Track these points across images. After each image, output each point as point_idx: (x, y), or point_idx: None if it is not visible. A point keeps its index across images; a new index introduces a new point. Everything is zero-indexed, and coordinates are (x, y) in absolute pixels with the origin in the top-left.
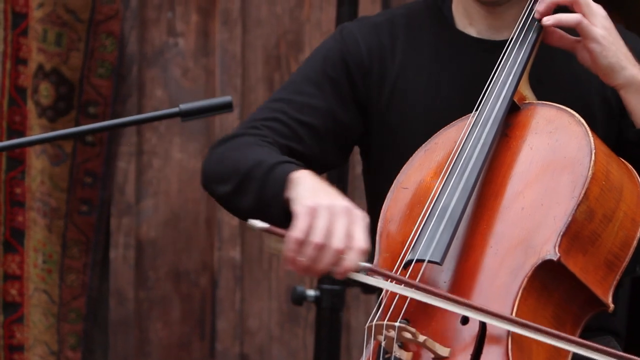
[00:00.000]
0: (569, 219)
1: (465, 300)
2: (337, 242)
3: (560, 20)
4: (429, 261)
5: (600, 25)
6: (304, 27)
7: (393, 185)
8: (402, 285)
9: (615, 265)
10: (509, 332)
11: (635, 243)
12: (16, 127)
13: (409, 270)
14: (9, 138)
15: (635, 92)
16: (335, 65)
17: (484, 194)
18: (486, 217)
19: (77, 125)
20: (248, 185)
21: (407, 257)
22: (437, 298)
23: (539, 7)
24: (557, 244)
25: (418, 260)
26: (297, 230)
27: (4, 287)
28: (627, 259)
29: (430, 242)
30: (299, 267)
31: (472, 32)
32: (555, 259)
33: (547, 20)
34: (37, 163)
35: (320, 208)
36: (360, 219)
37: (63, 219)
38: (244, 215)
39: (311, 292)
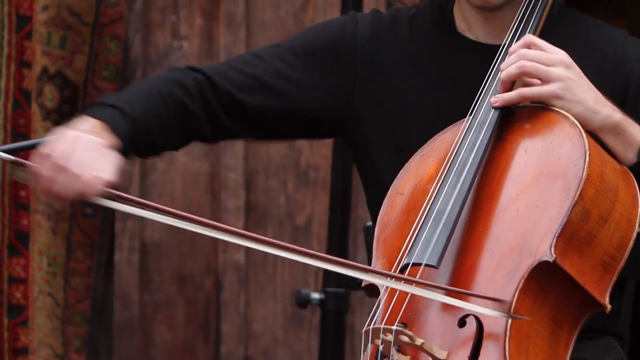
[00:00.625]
0: (564, 220)
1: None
2: (76, 165)
3: (506, 100)
4: (426, 265)
5: (560, 77)
6: None
7: (389, 191)
8: (178, 220)
9: (611, 266)
10: (506, 333)
11: (631, 244)
12: (21, 130)
13: (406, 275)
14: (14, 141)
15: (610, 134)
16: (325, 46)
17: (480, 197)
18: (482, 220)
19: None
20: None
21: (404, 261)
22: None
23: (494, 102)
24: (553, 245)
25: (414, 264)
26: (43, 147)
27: (9, 290)
28: (624, 260)
29: (427, 246)
30: (43, 187)
31: (470, 35)
32: (551, 260)
33: (494, 102)
34: None
35: (68, 135)
36: (108, 154)
37: (67, 222)
38: None
39: (315, 295)
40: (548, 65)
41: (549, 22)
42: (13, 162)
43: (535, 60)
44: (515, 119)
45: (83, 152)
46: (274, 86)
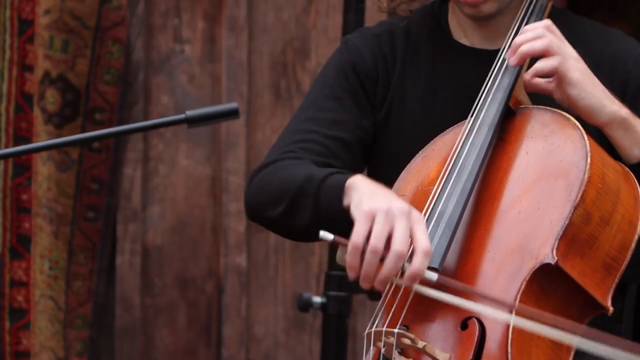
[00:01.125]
0: (566, 223)
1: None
2: (398, 245)
3: (538, 71)
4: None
5: (574, 69)
6: (310, 33)
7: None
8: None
9: (613, 268)
10: (508, 336)
11: (633, 245)
12: (22, 133)
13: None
14: (16, 144)
15: (619, 128)
16: (349, 77)
17: (481, 199)
18: (483, 222)
19: (83, 131)
20: (302, 202)
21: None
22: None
23: (511, 59)
24: (555, 248)
25: None
26: (355, 235)
27: (11, 293)
28: (626, 262)
29: None
30: (364, 275)
31: (466, 42)
32: (553, 262)
33: (527, 74)
34: (43, 169)
35: (378, 211)
36: (420, 220)
37: (69, 226)
38: (301, 235)
39: (317, 299)
40: (558, 54)
41: None
42: (337, 243)
43: (556, 43)
44: (517, 120)
45: (399, 227)
46: (339, 136)
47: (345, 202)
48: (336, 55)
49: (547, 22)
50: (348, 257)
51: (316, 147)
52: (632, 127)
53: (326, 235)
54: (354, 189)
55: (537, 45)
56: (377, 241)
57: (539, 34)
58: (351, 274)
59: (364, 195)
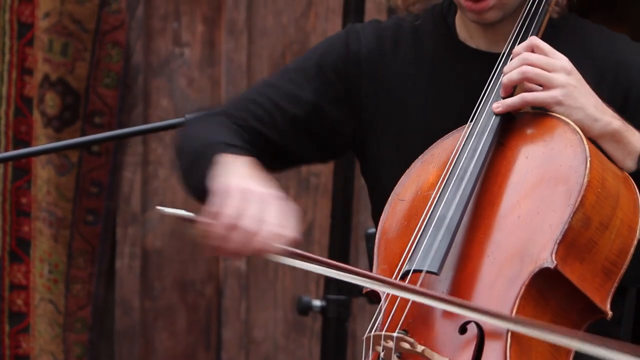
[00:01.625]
0: (565, 227)
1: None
2: (248, 222)
3: (508, 106)
4: (427, 271)
5: (561, 84)
6: (309, 37)
7: (390, 197)
8: (322, 267)
9: (612, 273)
10: (507, 340)
11: (632, 250)
12: (22, 137)
13: (407, 281)
14: (15, 148)
15: (610, 141)
16: (332, 63)
17: (481, 204)
18: (483, 227)
19: (82, 135)
20: (190, 167)
21: (405, 268)
22: (366, 280)
23: (496, 108)
24: (554, 252)
25: (415, 271)
26: (211, 206)
27: (10, 297)
28: (625, 266)
29: (428, 252)
30: (212, 245)
31: (472, 44)
32: (552, 266)
33: (496, 108)
34: (43, 173)
35: (235, 189)
36: (277, 203)
37: (69, 229)
38: (191, 195)
39: (317, 302)
40: (550, 71)
41: (550, 28)
42: (184, 219)
43: (538, 65)
44: (516, 125)
45: (252, 207)
46: (290, 111)
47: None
48: (332, 38)
49: (523, 54)
50: (201, 226)
51: (260, 112)
52: (624, 139)
53: (164, 209)
54: (225, 166)
55: (513, 77)
56: (230, 217)
57: (515, 65)
58: (205, 245)
59: (229, 172)
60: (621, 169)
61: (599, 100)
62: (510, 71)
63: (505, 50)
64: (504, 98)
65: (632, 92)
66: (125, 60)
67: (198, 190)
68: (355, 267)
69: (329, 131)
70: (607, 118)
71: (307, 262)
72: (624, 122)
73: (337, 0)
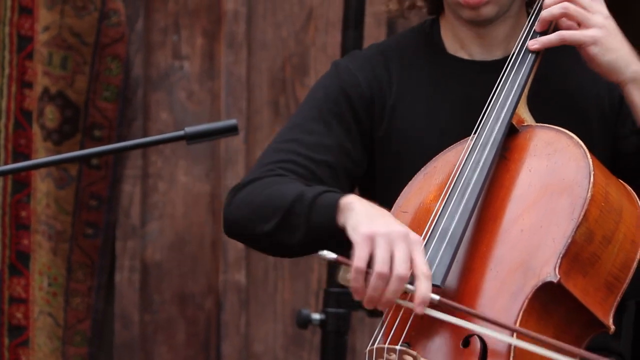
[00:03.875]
0: (569, 241)
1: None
2: (400, 269)
3: (544, 43)
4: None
5: (598, 24)
6: (309, 50)
7: (393, 209)
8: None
9: (615, 287)
10: (510, 353)
11: (635, 264)
12: (21, 150)
13: (410, 295)
14: (15, 161)
15: (638, 88)
16: (338, 101)
17: (484, 217)
18: (486, 240)
19: (82, 148)
20: (293, 220)
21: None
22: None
23: (532, 45)
24: (557, 266)
25: None
26: (357, 259)
27: (10, 310)
28: (627, 281)
29: (431, 265)
30: (368, 298)
31: (463, 55)
32: (555, 280)
33: (533, 45)
34: (42, 186)
35: (378, 235)
36: (418, 243)
37: (68, 242)
38: (290, 252)
39: (316, 316)
40: (589, 11)
41: None
42: (342, 263)
43: (578, 3)
44: (520, 138)
45: (401, 250)
46: (323, 159)
47: (340, 222)
48: (326, 78)
49: None
50: (352, 281)
51: (299, 170)
52: None
53: (328, 254)
54: (350, 210)
55: (554, 11)
56: (382, 266)
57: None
58: (356, 296)
59: (361, 217)
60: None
61: (632, 51)
62: (551, 3)
63: (510, 59)
64: (540, 35)
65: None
66: (125, 73)
67: (302, 245)
68: None
69: (357, 167)
70: (639, 66)
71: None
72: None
73: (336, 13)
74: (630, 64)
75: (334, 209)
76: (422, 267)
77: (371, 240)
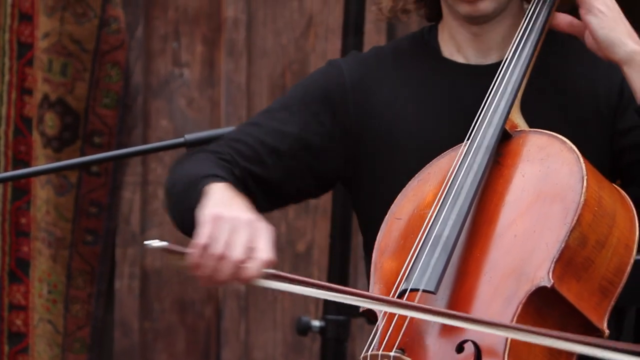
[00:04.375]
0: (562, 246)
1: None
2: (237, 252)
3: None
4: (424, 290)
5: (601, 2)
6: (309, 57)
7: (387, 216)
8: (312, 288)
9: (609, 291)
10: (504, 356)
11: (629, 269)
12: (21, 157)
13: (404, 300)
14: (15, 168)
15: (635, 69)
16: (314, 95)
17: (477, 222)
18: (479, 245)
19: (82, 155)
20: (179, 204)
21: (402, 287)
22: (360, 299)
23: None
24: (551, 271)
25: (412, 290)
26: (198, 238)
27: (9, 317)
28: (622, 285)
29: (424, 271)
30: (203, 276)
31: (459, 58)
32: (549, 285)
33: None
34: (42, 193)
35: (222, 219)
36: (263, 230)
37: (68, 249)
38: (185, 232)
39: (316, 323)
40: None
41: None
42: (171, 252)
43: None
44: (513, 143)
45: (240, 235)
46: (274, 146)
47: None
48: (315, 73)
49: None
50: (190, 256)
51: (245, 150)
52: None
53: (154, 243)
54: (210, 195)
55: None
56: (216, 246)
57: None
58: (194, 274)
59: (213, 201)
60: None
61: (633, 32)
62: None
63: (507, 56)
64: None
65: (625, 87)
66: (125, 80)
67: (189, 226)
68: (354, 287)
69: (317, 163)
70: (638, 47)
71: (300, 285)
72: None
73: (336, 20)
74: (627, 43)
75: (200, 194)
76: (259, 252)
77: (214, 221)
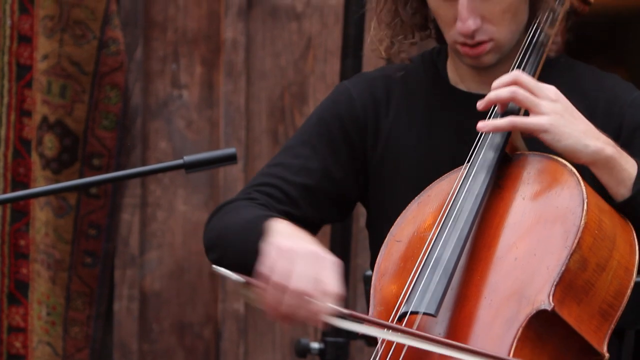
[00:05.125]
0: (563, 269)
1: (452, 342)
2: (301, 283)
3: (494, 127)
4: (424, 313)
5: (547, 111)
6: (308, 79)
7: (386, 238)
8: (385, 330)
9: (609, 315)
10: None
11: (629, 292)
12: (20, 178)
13: (404, 323)
14: (14, 190)
15: (603, 168)
16: (330, 125)
17: (478, 245)
18: (480, 268)
19: (81, 177)
20: (233, 247)
21: (402, 310)
22: (424, 341)
23: (478, 103)
24: (551, 294)
25: (412, 312)
26: (262, 268)
27: (8, 339)
28: (622, 308)
29: (425, 293)
30: (271, 309)
31: (463, 87)
32: (549, 308)
33: (482, 127)
34: (41, 215)
35: (284, 250)
36: (328, 263)
37: (67, 271)
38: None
39: (315, 345)
40: (538, 96)
41: (543, 67)
42: (242, 283)
43: (527, 87)
44: (513, 166)
45: (304, 266)
46: (303, 183)
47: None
48: (325, 101)
49: (515, 73)
50: (255, 287)
51: (276, 193)
52: (617, 166)
53: (227, 273)
54: (273, 230)
55: (502, 94)
56: (279, 277)
57: (505, 82)
58: (262, 307)
59: (277, 234)
60: (613, 198)
61: (591, 126)
62: (499, 85)
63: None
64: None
65: (623, 127)
66: (124, 102)
67: (252, 269)
68: (353, 310)
69: (343, 191)
70: (599, 144)
71: (363, 323)
72: (618, 148)
73: (335, 42)
74: (588, 145)
75: (262, 233)
76: (326, 285)
77: (278, 252)
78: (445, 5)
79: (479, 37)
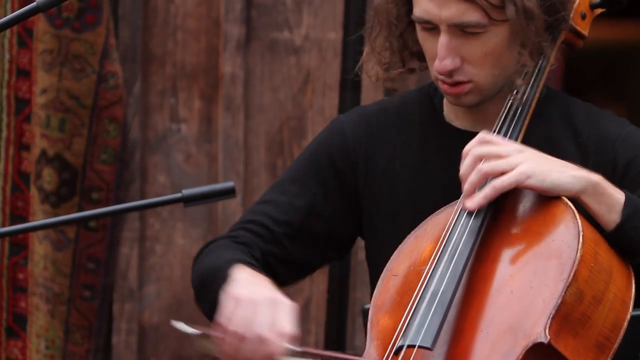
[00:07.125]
0: (559, 302)
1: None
2: (258, 330)
3: (482, 201)
4: (420, 346)
5: (521, 160)
6: (306, 113)
7: (383, 272)
8: None
9: (606, 347)
10: None
11: (625, 325)
12: (19, 212)
13: (400, 357)
14: (12, 223)
15: (593, 195)
16: (320, 161)
17: (474, 278)
18: (476, 301)
19: (79, 210)
20: (202, 293)
21: (398, 343)
22: None
23: (471, 206)
24: (547, 327)
25: (409, 346)
26: (219, 318)
27: None
28: (618, 341)
29: (421, 327)
30: (229, 357)
31: (458, 124)
32: (545, 341)
33: (472, 206)
34: (40, 248)
35: (242, 299)
36: (284, 306)
37: (66, 305)
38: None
39: None
40: (504, 157)
41: (538, 103)
42: (198, 335)
43: (491, 157)
44: (508, 200)
45: (260, 313)
46: (286, 221)
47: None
48: (318, 136)
49: (467, 148)
50: (214, 338)
51: (262, 231)
52: (606, 191)
53: (184, 328)
54: (234, 279)
55: (474, 180)
56: (237, 326)
57: (470, 166)
58: (220, 356)
59: (236, 283)
60: (604, 227)
61: (565, 162)
62: (466, 173)
63: (495, 128)
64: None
65: (617, 163)
66: (123, 136)
67: (212, 315)
68: (352, 343)
69: (334, 227)
70: (584, 173)
71: (316, 358)
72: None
73: (333, 76)
74: (573, 175)
75: (226, 280)
76: (281, 328)
77: (235, 301)
78: (430, 40)
79: (457, 77)
